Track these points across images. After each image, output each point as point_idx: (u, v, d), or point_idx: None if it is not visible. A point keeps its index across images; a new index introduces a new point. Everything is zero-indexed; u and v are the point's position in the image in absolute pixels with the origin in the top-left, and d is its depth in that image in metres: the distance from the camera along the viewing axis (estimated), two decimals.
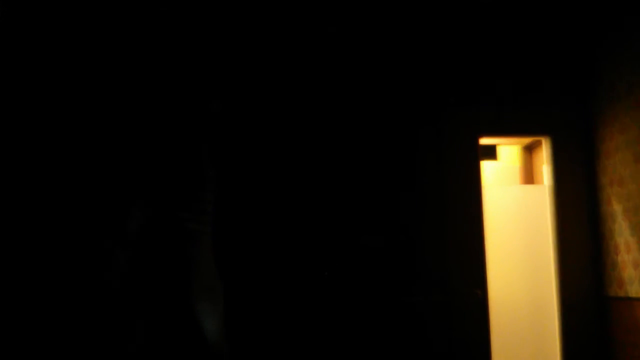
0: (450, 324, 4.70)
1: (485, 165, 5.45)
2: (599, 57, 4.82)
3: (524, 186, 5.63)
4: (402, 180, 4.87)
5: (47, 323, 2.45)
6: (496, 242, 4.96)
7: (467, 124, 4.97)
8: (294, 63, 4.94)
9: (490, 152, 5.61)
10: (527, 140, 5.65)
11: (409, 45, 5.05)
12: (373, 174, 4.85)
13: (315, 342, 4.57)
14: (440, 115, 4.99)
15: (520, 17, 5.06)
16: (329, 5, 4.87)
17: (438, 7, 4.97)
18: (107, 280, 2.40)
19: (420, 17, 5.03)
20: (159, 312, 2.40)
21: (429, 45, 5.05)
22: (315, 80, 4.93)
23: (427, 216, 4.83)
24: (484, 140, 5.22)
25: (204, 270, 2.54)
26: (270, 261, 4.64)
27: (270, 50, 4.94)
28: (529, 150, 5.83)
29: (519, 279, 4.96)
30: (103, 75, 2.86)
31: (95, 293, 2.37)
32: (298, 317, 4.59)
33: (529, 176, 5.82)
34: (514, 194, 5.13)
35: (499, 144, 5.73)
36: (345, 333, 4.62)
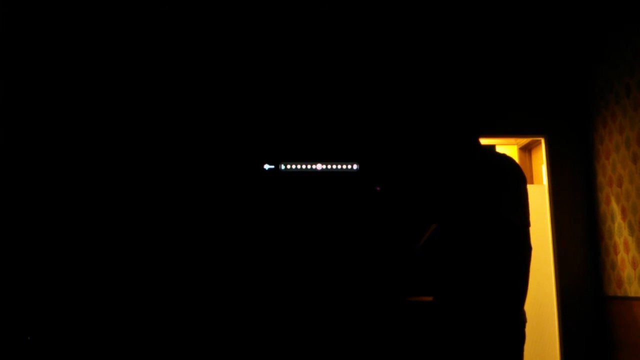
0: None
1: None
2: (598, 57, 4.84)
3: None
4: (399, 180, 4.87)
5: None
6: None
7: (465, 124, 4.96)
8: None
9: None
10: (525, 140, 5.67)
11: (407, 45, 5.06)
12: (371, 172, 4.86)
13: (309, 339, 4.60)
14: (438, 115, 4.98)
15: (519, 17, 5.08)
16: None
17: (438, 7, 4.99)
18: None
19: (420, 17, 5.05)
20: None
21: (427, 45, 5.07)
22: (310, 76, 4.95)
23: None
24: (483, 141, 5.21)
25: None
26: None
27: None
28: (528, 151, 5.85)
29: None
30: None
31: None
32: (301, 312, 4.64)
33: (528, 176, 5.83)
34: None
35: (497, 144, 5.74)
36: (346, 331, 4.63)
